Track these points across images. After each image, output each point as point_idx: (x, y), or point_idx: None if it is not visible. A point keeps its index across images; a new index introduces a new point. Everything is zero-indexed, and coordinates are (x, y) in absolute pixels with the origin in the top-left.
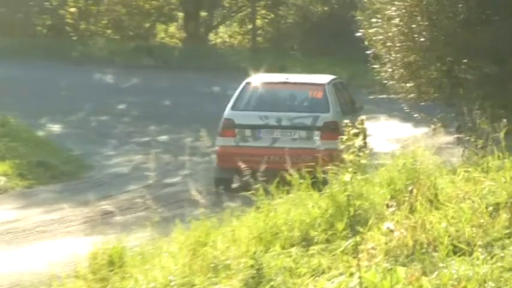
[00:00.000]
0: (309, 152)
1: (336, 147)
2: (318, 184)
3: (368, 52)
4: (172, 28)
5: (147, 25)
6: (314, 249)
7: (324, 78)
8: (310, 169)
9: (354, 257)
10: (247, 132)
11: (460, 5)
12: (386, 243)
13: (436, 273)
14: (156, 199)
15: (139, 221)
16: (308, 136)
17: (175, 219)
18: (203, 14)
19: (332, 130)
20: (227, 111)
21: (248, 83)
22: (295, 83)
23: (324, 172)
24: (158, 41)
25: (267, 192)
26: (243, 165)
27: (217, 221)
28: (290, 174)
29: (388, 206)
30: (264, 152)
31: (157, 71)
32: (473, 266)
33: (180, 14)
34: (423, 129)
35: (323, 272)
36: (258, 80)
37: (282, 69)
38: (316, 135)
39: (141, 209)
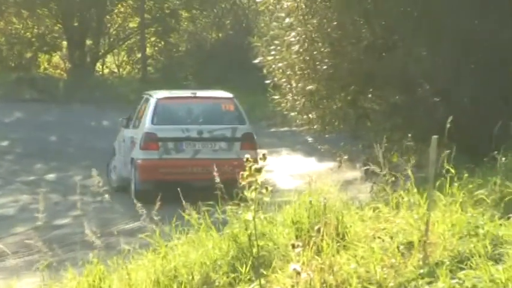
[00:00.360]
0: (230, 162)
1: (255, 157)
2: (218, 224)
3: (267, 81)
4: (56, 58)
5: (28, 55)
6: None
7: (225, 93)
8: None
9: None
10: (170, 145)
11: (364, 30)
12: (292, 286)
13: None
14: (46, 242)
15: (29, 266)
16: (229, 147)
17: (67, 263)
18: (89, 42)
19: (250, 140)
20: (148, 126)
21: (159, 99)
22: (204, 97)
23: (224, 212)
24: (41, 72)
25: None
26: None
27: (112, 264)
28: (188, 214)
29: (293, 247)
30: (187, 163)
31: (41, 104)
32: None
33: (64, 43)
34: (328, 164)
35: None
36: (167, 95)
37: None
38: (236, 146)
39: (30, 252)
